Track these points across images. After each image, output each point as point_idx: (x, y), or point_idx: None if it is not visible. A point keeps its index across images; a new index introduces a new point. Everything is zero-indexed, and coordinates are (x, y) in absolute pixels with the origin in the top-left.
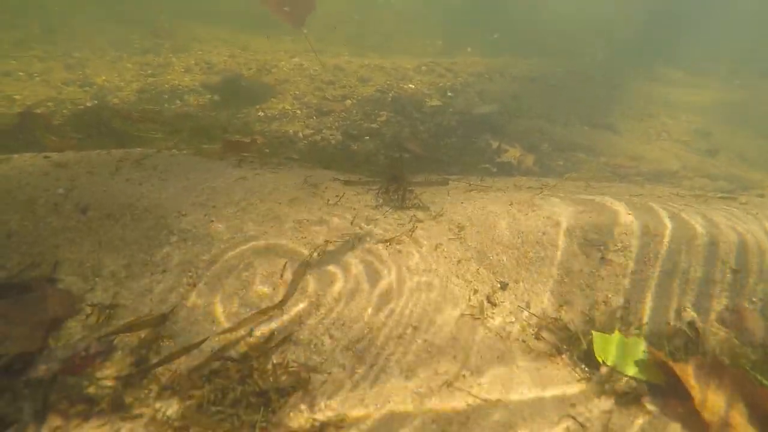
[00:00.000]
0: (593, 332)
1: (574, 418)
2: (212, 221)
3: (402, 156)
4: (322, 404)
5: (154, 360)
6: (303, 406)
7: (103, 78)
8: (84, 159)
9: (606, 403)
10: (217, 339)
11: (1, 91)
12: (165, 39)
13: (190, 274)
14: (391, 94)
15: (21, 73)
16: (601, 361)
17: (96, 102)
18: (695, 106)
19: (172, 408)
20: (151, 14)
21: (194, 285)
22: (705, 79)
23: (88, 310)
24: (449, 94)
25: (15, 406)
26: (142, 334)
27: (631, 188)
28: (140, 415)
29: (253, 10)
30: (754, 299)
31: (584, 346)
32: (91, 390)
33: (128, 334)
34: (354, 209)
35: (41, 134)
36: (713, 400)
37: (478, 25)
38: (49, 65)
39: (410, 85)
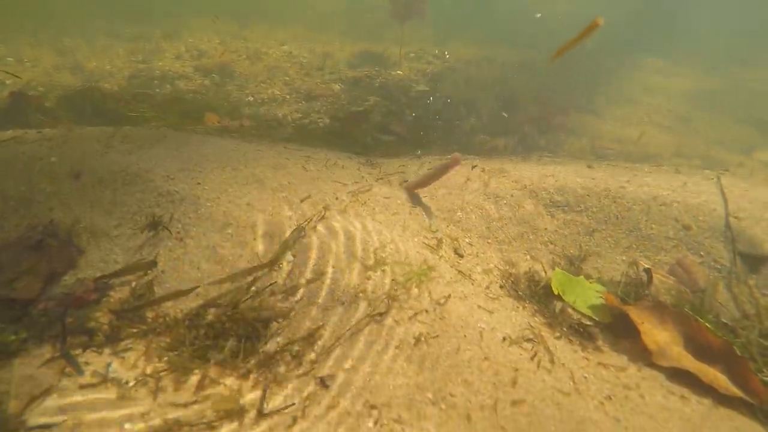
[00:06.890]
0: (556, 269)
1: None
2: (199, 183)
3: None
4: None
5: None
6: None
7: (94, 64)
8: (76, 132)
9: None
10: (204, 291)
11: None
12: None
13: (177, 230)
14: (379, 80)
15: (11, 59)
16: (556, 293)
17: (87, 86)
18: (676, 92)
19: (162, 341)
20: (146, 4)
21: (182, 239)
22: (686, 68)
23: (84, 265)
24: (435, 80)
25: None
26: (134, 281)
27: (602, 163)
28: (133, 348)
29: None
30: (701, 253)
31: (543, 290)
32: (92, 324)
33: (123, 278)
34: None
35: (33, 115)
36: (656, 334)
37: (468, 19)
38: (40, 51)
39: (398, 72)
